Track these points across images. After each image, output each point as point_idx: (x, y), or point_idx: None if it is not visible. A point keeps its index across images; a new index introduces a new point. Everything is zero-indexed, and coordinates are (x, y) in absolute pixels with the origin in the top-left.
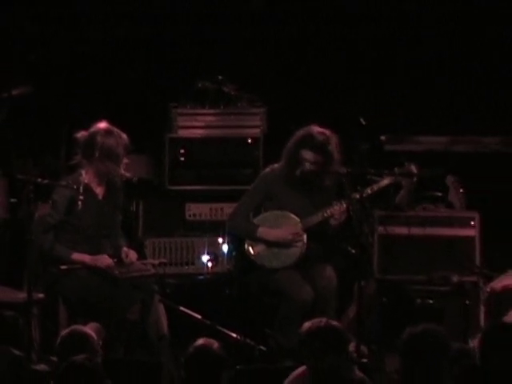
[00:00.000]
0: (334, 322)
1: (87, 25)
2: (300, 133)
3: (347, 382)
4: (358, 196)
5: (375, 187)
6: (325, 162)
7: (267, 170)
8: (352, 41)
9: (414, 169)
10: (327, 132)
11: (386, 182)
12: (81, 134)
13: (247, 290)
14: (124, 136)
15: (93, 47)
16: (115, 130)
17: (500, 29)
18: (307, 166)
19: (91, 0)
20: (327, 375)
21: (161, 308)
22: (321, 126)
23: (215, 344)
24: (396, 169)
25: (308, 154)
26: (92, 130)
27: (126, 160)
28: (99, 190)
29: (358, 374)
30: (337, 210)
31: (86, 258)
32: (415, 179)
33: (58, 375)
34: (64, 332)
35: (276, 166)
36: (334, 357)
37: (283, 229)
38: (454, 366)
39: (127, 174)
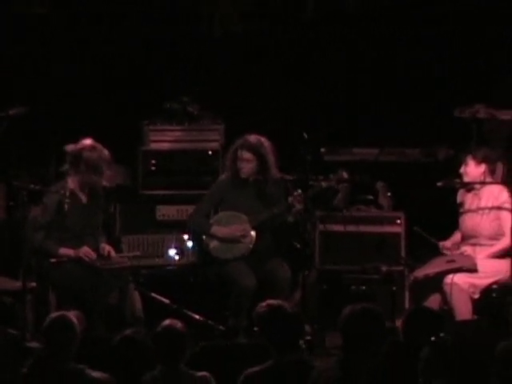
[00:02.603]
0: (288, 306)
1: (70, 54)
2: (237, 140)
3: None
4: (301, 195)
5: (315, 189)
6: (259, 161)
7: (222, 176)
8: (297, 67)
9: (345, 175)
10: (261, 138)
11: (323, 185)
12: (70, 147)
13: (207, 279)
14: (106, 151)
15: (77, 77)
16: (99, 146)
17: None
18: (244, 165)
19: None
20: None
21: (136, 294)
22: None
23: (179, 324)
24: (331, 175)
25: (244, 154)
26: (80, 145)
27: (108, 172)
28: (83, 196)
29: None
30: (297, 197)
31: (70, 252)
32: (346, 184)
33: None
34: (49, 316)
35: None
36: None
37: (232, 227)
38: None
39: (107, 184)
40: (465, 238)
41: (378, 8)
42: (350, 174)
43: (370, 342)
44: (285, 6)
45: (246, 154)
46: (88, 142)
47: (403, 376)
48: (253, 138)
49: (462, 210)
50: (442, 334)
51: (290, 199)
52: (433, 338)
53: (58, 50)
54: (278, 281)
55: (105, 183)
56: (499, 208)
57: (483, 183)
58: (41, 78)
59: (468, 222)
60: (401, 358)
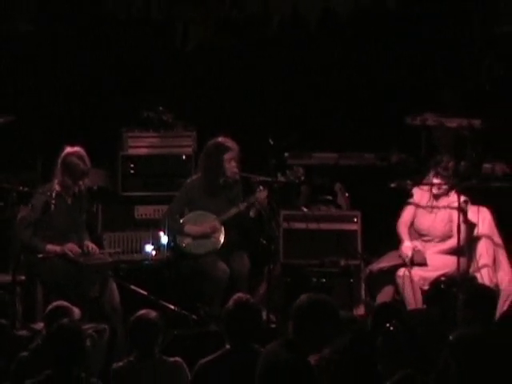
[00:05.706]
0: (251, 300)
1: (54, 66)
2: (212, 145)
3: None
4: (264, 191)
5: (279, 184)
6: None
7: (188, 180)
8: (263, 79)
9: (300, 170)
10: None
11: (281, 180)
12: (63, 153)
13: (181, 273)
14: (88, 162)
15: (62, 89)
16: (85, 155)
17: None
18: (232, 164)
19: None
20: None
21: (114, 288)
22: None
23: (153, 313)
24: (287, 171)
25: (229, 155)
26: (67, 151)
27: (83, 179)
28: (68, 197)
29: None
30: (263, 195)
31: (57, 248)
32: (303, 178)
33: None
34: (51, 305)
35: (194, 177)
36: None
37: (202, 224)
38: (344, 330)
39: (83, 188)
40: (419, 235)
41: (337, 22)
42: (309, 175)
43: (316, 327)
44: (251, 21)
45: (230, 155)
46: (76, 149)
47: (365, 363)
48: (229, 140)
49: (418, 209)
50: (393, 321)
51: (255, 196)
52: (387, 325)
53: (43, 63)
54: (233, 272)
55: (83, 187)
56: (450, 207)
57: (432, 185)
58: (27, 88)
59: (423, 221)
60: (364, 347)
